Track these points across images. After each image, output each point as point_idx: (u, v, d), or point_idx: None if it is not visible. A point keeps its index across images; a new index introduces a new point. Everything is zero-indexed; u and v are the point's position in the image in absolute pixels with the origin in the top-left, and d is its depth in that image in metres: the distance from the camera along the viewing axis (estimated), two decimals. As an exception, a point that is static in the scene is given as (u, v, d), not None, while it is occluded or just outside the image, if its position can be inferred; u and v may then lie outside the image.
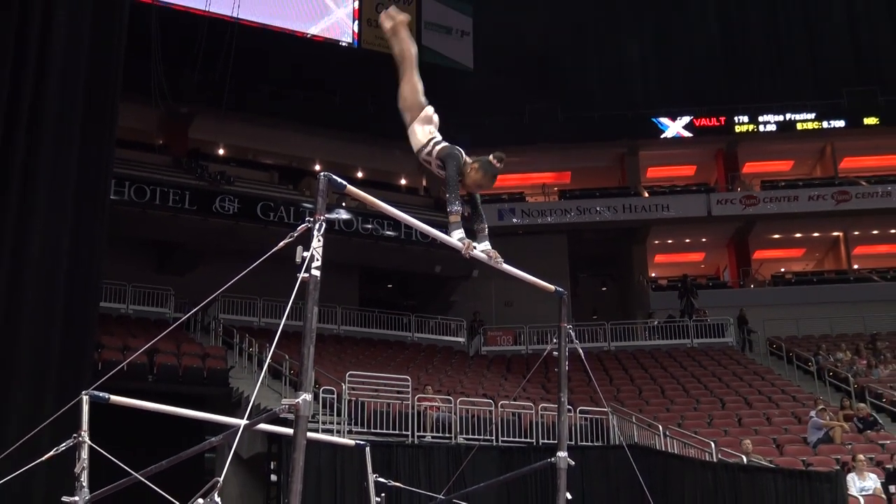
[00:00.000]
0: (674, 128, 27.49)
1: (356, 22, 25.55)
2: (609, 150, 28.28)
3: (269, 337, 16.52)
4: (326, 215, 3.40)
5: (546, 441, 13.90)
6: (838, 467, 11.86)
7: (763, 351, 21.91)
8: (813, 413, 14.39)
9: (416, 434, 13.56)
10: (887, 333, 21.79)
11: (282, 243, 3.56)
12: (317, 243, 3.31)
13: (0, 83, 9.50)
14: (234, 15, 19.18)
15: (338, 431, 12.71)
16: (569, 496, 5.20)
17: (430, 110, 4.76)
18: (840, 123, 27.26)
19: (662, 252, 29.45)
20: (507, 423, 14.36)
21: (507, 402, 14.84)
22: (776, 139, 27.91)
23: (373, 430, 13.28)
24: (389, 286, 26.38)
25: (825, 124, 27.29)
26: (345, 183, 3.67)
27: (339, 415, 13.24)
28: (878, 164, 28.05)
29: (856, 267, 27.75)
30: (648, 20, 28.72)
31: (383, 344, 21.20)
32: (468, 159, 4.60)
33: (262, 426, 6.30)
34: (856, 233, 27.85)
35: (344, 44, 25.56)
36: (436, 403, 14.31)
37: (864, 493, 11.08)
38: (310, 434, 4.02)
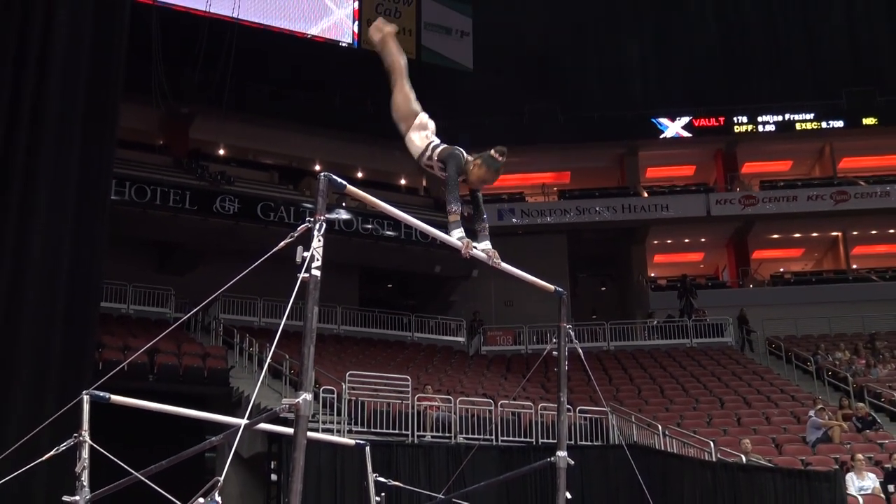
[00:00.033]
0: (673, 128, 27.51)
1: (356, 22, 25.54)
2: (608, 151, 28.31)
3: (269, 337, 16.52)
4: (326, 215, 3.40)
5: (546, 440, 13.91)
6: (837, 467, 11.87)
7: (762, 351, 21.91)
8: (812, 413, 14.41)
9: (416, 434, 13.57)
10: (886, 333, 21.80)
11: (282, 243, 3.57)
12: (317, 243, 3.32)
13: (1, 83, 9.53)
14: (235, 15, 19.17)
15: (338, 431, 12.72)
16: (568, 495, 5.20)
17: (423, 117, 4.78)
18: (839, 124, 27.29)
19: (662, 252, 29.46)
20: (506, 423, 14.37)
21: (506, 401, 14.84)
22: (775, 139, 27.93)
23: (373, 430, 13.29)
24: (389, 286, 26.39)
25: (824, 124, 27.33)
26: (345, 183, 3.68)
27: (339, 414, 13.26)
28: (876, 165, 28.06)
29: (854, 267, 27.77)
30: (648, 20, 28.73)
31: (383, 344, 21.21)
32: (469, 157, 4.62)
33: (263, 426, 6.33)
34: (854, 233, 27.87)
35: (344, 44, 25.57)
36: (436, 403, 14.32)
37: (862, 492, 11.10)
38: (310, 434, 4.04)
